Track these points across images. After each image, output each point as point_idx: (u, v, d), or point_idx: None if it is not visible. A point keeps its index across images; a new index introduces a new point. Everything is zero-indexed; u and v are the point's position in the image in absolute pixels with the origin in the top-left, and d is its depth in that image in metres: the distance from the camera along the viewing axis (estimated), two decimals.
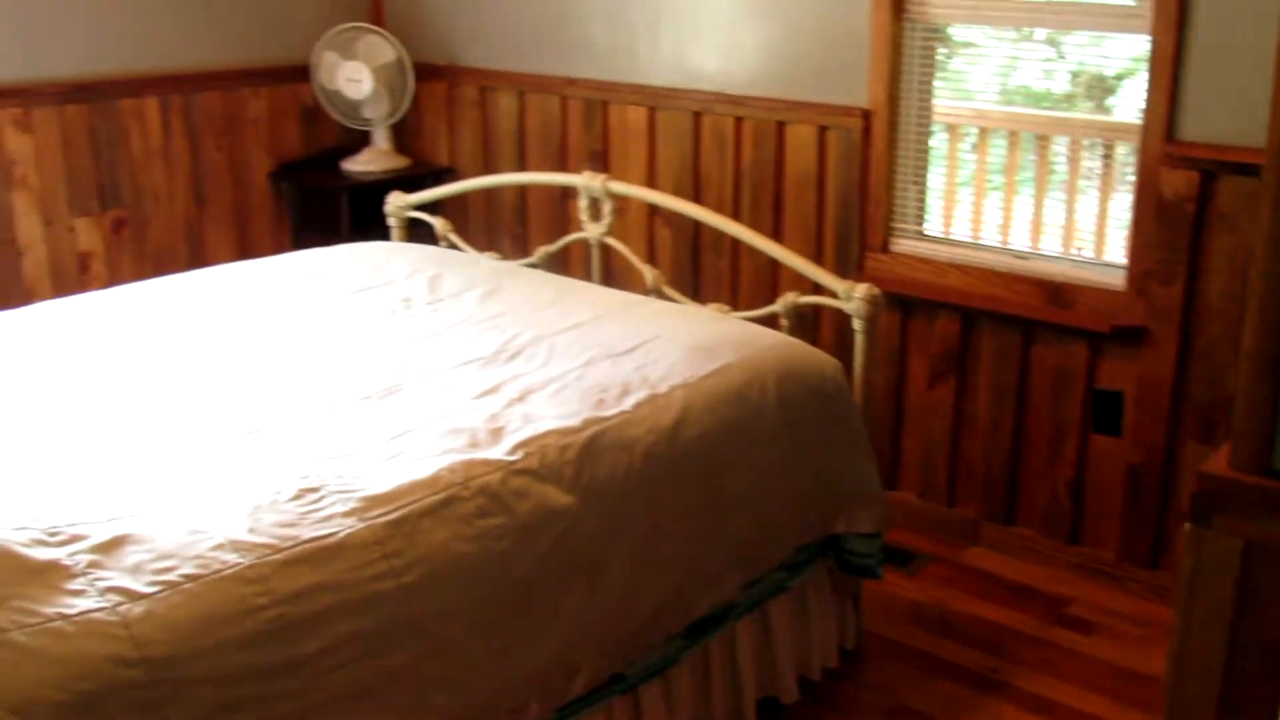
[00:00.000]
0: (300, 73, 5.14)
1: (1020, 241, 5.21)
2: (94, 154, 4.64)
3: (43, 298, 4.48)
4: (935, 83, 4.07)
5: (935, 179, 4.22)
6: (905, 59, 4.01)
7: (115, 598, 2.01)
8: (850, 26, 4.04)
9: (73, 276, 4.64)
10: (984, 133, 5.48)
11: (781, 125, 4.27)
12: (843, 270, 4.18)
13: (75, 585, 2.03)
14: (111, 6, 4.63)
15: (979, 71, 4.23)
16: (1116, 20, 3.65)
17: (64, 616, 1.95)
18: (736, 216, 4.38)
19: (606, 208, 3.95)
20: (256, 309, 3.50)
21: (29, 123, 4.45)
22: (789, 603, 3.19)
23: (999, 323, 3.93)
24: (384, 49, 5.09)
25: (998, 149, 5.39)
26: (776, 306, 3.55)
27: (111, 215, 4.73)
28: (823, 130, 4.17)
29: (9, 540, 2.10)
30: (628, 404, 2.82)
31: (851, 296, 3.31)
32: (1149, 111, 3.51)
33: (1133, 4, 3.58)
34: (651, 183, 4.62)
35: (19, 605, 1.96)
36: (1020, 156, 5.36)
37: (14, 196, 4.46)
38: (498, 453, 2.55)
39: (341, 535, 2.24)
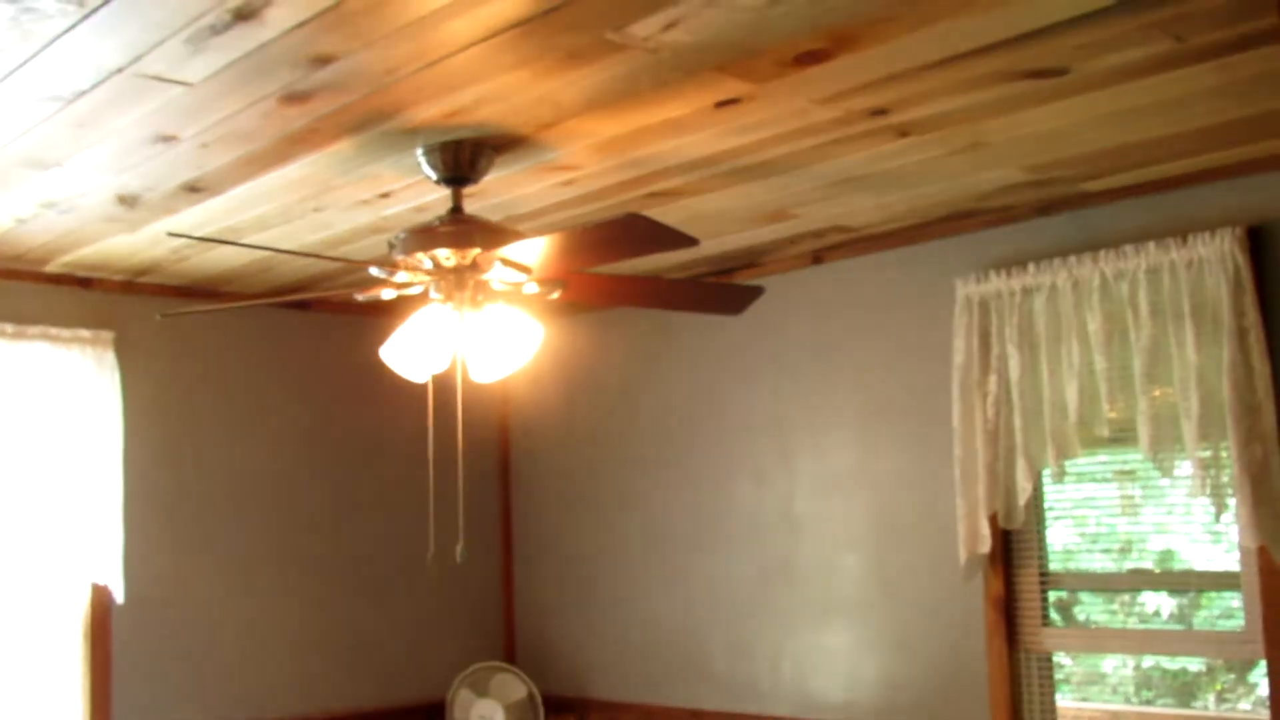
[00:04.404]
0: (435, 710, 5.33)
1: None
2: None
3: None
4: (1067, 661, 4.11)
5: None
6: (1024, 687, 4.07)
7: None
8: (968, 657, 4.15)
9: None
10: None
11: None
12: None
13: None
14: (264, 660, 4.95)
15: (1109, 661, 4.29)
16: (1229, 647, 3.71)
17: None
18: None
19: None
20: None
21: None
22: None
23: None
24: (516, 686, 5.29)
25: None
26: None
27: None
28: None
29: None
30: None
31: None
32: (1274, 708, 3.48)
33: (1240, 629, 3.66)
34: None
35: None
36: None
37: None
38: None
39: None
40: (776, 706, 4.68)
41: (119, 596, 4.46)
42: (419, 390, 3.52)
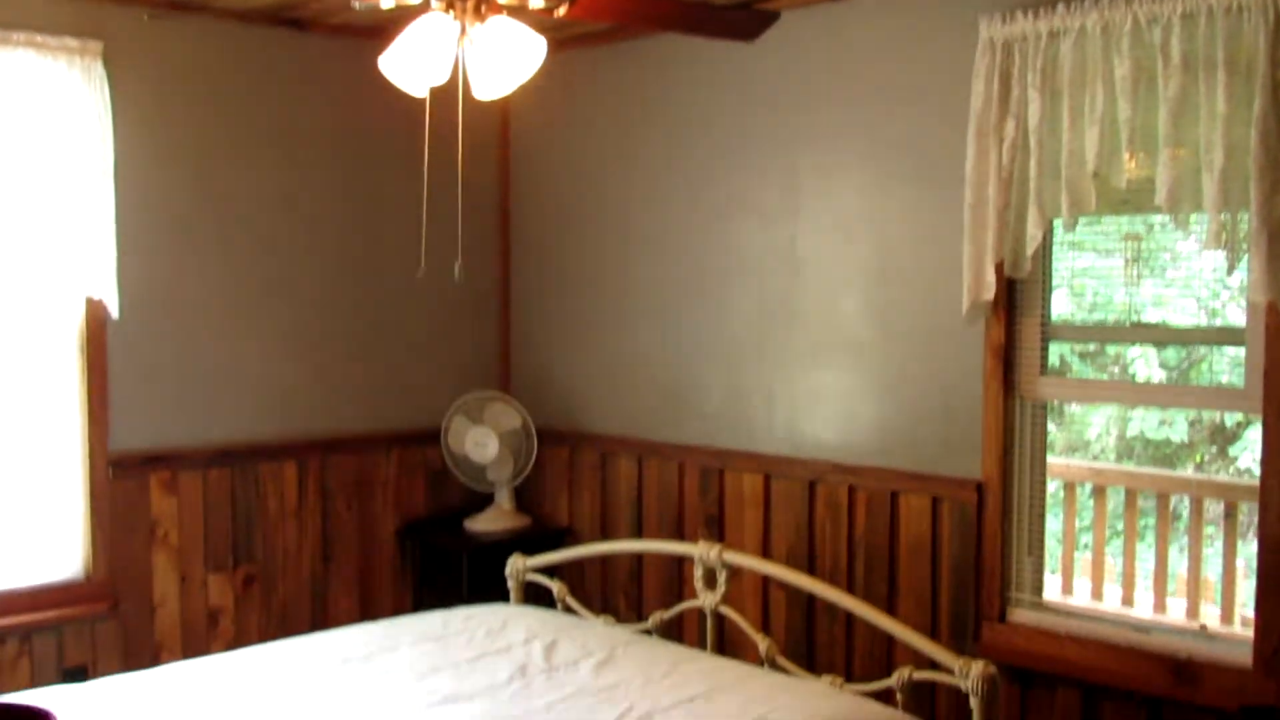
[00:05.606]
0: (430, 436, 5.39)
1: (1144, 601, 5.14)
2: (231, 514, 4.88)
3: (171, 653, 4.65)
4: (1052, 427, 4.12)
5: (1053, 527, 4.19)
6: (1017, 434, 4.09)
7: None
8: (963, 402, 4.16)
9: (201, 632, 4.79)
10: (1100, 489, 5.49)
11: (895, 495, 4.34)
12: (959, 639, 4.14)
13: None
14: (260, 379, 4.97)
15: (1096, 421, 4.31)
16: (1224, 400, 3.71)
17: None
18: (850, 584, 4.41)
19: (721, 577, 4.01)
20: (371, 678, 3.56)
21: (175, 486, 4.72)
22: None
23: (1121, 699, 3.84)
24: (510, 415, 5.34)
25: (1117, 498, 5.39)
26: (891, 680, 3.54)
27: (242, 571, 4.92)
28: (936, 501, 4.23)
29: None
30: None
31: (968, 675, 3.28)
32: (1266, 465, 3.51)
33: (1240, 386, 3.65)
34: (765, 548, 4.69)
35: None
36: (1139, 508, 5.35)
37: (155, 555, 4.69)
38: None
39: None
40: (770, 446, 4.73)
41: (114, 311, 4.44)
42: (418, 111, 3.40)
